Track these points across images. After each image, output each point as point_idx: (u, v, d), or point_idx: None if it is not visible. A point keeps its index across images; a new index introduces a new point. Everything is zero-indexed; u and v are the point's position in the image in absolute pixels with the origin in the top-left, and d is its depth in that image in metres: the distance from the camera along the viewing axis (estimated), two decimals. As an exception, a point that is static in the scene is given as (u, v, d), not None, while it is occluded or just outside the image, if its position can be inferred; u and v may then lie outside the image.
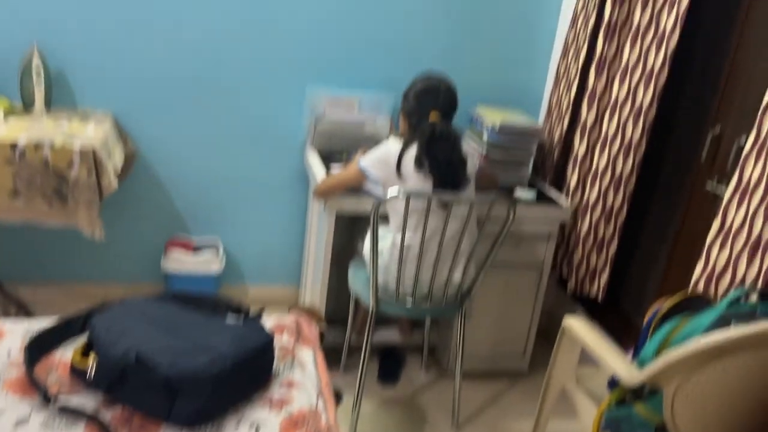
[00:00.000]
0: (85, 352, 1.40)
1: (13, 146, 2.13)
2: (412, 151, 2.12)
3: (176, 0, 2.57)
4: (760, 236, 1.77)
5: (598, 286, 2.63)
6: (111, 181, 2.27)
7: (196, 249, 2.86)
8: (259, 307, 1.66)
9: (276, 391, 1.44)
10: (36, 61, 2.37)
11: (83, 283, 2.87)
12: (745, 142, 1.84)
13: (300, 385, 1.47)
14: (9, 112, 2.38)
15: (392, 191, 2.07)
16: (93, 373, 1.33)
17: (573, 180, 2.68)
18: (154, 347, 1.33)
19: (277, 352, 1.56)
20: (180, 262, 2.75)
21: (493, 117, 2.68)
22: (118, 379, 1.31)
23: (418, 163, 2.10)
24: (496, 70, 3.01)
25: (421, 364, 2.79)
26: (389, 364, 2.74)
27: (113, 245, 2.83)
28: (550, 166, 2.85)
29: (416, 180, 2.12)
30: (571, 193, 2.69)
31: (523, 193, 2.62)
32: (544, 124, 2.94)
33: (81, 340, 1.45)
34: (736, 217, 1.85)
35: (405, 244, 2.13)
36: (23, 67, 2.38)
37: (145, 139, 2.72)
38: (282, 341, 1.63)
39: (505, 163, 2.69)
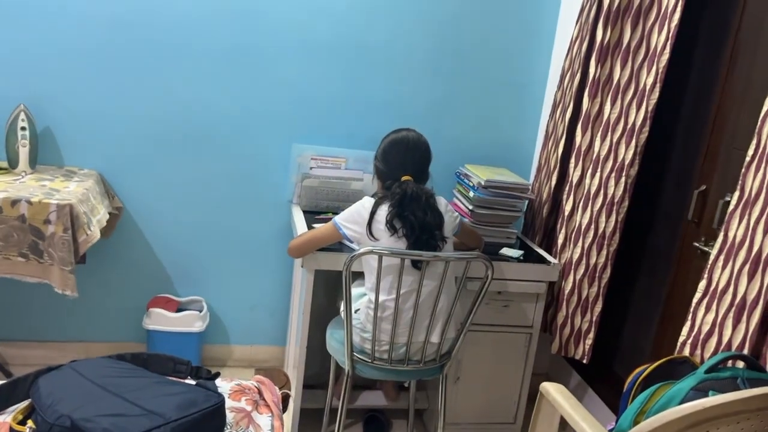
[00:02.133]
0: (27, 416, 1.35)
1: (-11, 202, 2.13)
2: (383, 212, 2.08)
3: (162, 61, 2.61)
4: (744, 298, 1.69)
5: (583, 349, 2.52)
6: (88, 236, 2.26)
7: (180, 308, 2.82)
8: (215, 370, 1.61)
9: (223, 460, 1.37)
10: (21, 121, 2.40)
11: (66, 343, 2.82)
12: (730, 201, 1.78)
13: (250, 454, 1.40)
14: (-8, 170, 2.41)
15: (364, 248, 2.03)
16: (29, 439, 1.27)
17: (560, 238, 2.62)
18: (93, 412, 1.27)
19: (231, 418, 1.49)
20: (161, 320, 2.70)
21: (480, 174, 2.65)
22: (52, 446, 1.25)
23: (390, 226, 2.06)
24: (486, 129, 3.01)
25: (407, 430, 2.68)
26: (373, 429, 2.63)
27: (96, 304, 2.80)
28: (540, 224, 2.80)
29: (387, 239, 2.08)
30: (558, 251, 2.62)
31: (509, 252, 2.56)
32: (534, 182, 2.90)
33: (24, 404, 1.40)
34: (721, 277, 1.77)
35: (380, 303, 2.07)
36: (9, 126, 2.41)
37: (131, 197, 2.72)
38: (239, 405, 1.56)
39: (492, 221, 2.65)
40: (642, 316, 2.59)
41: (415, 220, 2.05)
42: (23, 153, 2.43)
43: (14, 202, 2.15)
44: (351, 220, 2.14)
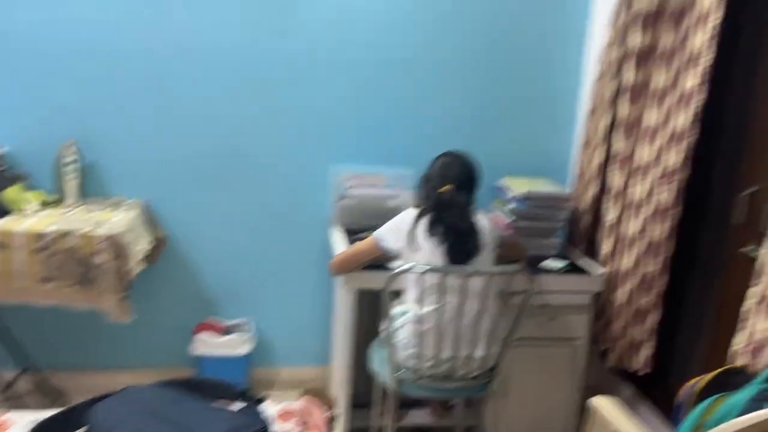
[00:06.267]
0: (82, 443, 1.39)
1: (41, 235, 2.21)
2: (424, 220, 2.12)
3: (200, 91, 2.68)
4: (801, 303, 1.63)
5: (642, 359, 2.46)
6: (134, 266, 2.32)
7: (226, 332, 2.86)
8: (264, 393, 1.62)
9: (273, 483, 1.38)
10: (70, 156, 2.49)
11: (117, 370, 2.89)
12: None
13: (299, 477, 1.40)
14: (44, 205, 2.49)
15: (404, 264, 2.03)
16: (85, 466, 1.30)
17: (606, 247, 2.56)
18: (144, 438, 1.30)
19: (279, 441, 1.51)
20: (208, 345, 2.74)
21: (519, 186, 2.63)
22: (107, 473, 1.28)
23: (429, 230, 2.09)
24: (523, 140, 2.98)
25: (456, 448, 2.65)
26: (422, 448, 2.61)
27: (144, 331, 2.85)
28: (583, 233, 2.75)
29: (428, 248, 2.09)
30: (605, 261, 2.57)
31: (553, 263, 2.52)
32: (574, 190, 2.86)
33: (81, 430, 1.44)
34: (774, 282, 1.71)
35: (421, 316, 2.06)
36: (58, 161, 2.50)
37: (175, 223, 2.78)
38: (287, 428, 1.57)
39: (534, 233, 2.62)
40: (695, 324, 2.51)
41: (451, 225, 2.08)
42: (71, 186, 2.52)
43: (64, 235, 2.22)
44: (392, 231, 2.18)
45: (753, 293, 1.77)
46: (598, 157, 2.62)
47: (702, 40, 2.16)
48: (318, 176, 2.83)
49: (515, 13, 2.83)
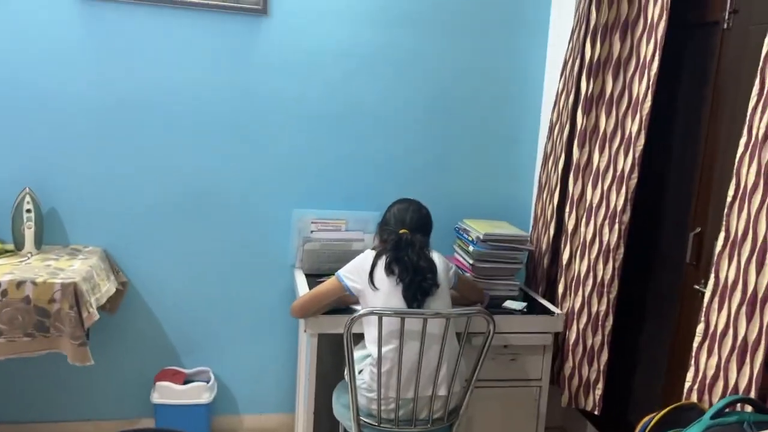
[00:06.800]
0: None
1: (-4, 285, 2.17)
2: (382, 261, 2.18)
3: (162, 138, 2.69)
4: (746, 339, 1.68)
5: (593, 400, 2.49)
6: (91, 312, 2.28)
7: (187, 380, 2.81)
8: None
9: None
10: (27, 204, 2.47)
11: (76, 422, 2.81)
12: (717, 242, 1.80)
13: None
14: (0, 254, 2.45)
15: (364, 308, 2.07)
16: None
17: (561, 288, 2.62)
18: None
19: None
20: (169, 394, 2.69)
21: (479, 228, 2.68)
22: None
23: (388, 269, 2.15)
24: (483, 183, 3.05)
25: (421, 493, 2.61)
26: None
27: (102, 381, 2.79)
28: (542, 275, 2.80)
29: (387, 286, 2.14)
30: (560, 301, 2.62)
31: (513, 304, 2.56)
32: (532, 233, 2.92)
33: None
34: (719, 320, 1.76)
35: (381, 356, 2.07)
36: (14, 209, 2.47)
37: (135, 270, 2.76)
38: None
39: (493, 274, 2.66)
40: (650, 362, 2.56)
41: (409, 262, 2.14)
42: (29, 235, 2.49)
43: (19, 284, 2.19)
44: (353, 270, 2.22)
45: (699, 330, 1.82)
46: (553, 200, 2.70)
47: (642, 87, 2.28)
48: (280, 221, 2.84)
49: (474, 60, 2.93)
